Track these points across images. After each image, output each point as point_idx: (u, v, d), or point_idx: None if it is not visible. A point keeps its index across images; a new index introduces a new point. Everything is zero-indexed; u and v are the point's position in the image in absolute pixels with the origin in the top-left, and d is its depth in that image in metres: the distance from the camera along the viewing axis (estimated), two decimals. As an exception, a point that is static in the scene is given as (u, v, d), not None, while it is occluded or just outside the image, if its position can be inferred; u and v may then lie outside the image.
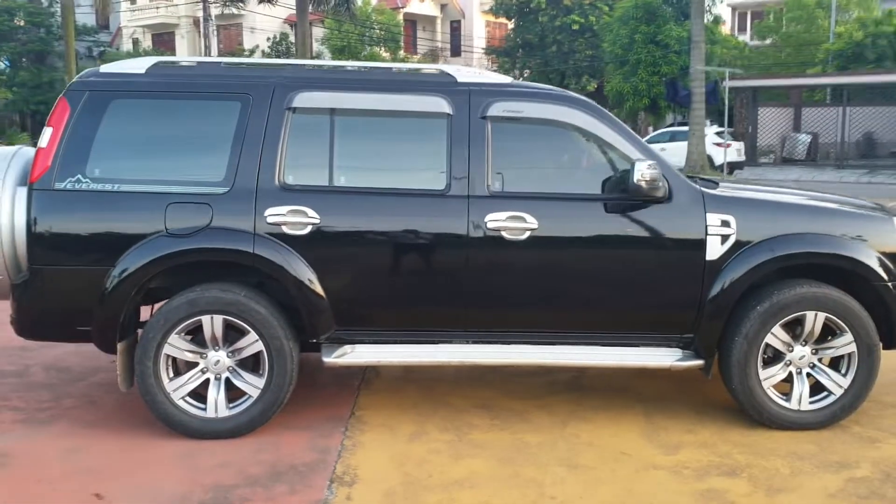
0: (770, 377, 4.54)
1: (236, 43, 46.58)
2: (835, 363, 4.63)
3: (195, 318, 4.32)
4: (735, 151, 26.63)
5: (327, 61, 4.91)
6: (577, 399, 5.09)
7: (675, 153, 24.93)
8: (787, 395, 4.57)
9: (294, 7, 37.18)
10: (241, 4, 37.00)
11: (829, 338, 4.55)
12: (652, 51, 28.14)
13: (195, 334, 4.42)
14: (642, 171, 4.25)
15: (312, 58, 40.11)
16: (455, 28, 47.28)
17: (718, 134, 25.41)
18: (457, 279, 4.42)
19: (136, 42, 50.04)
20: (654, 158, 4.46)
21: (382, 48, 39.35)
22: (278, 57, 38.39)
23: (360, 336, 4.51)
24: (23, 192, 4.30)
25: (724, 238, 4.45)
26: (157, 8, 49.47)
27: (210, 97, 4.48)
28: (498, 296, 4.48)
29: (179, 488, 3.87)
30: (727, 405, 4.80)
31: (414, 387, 5.31)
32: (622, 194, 4.41)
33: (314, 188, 4.40)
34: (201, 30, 41.31)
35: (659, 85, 28.43)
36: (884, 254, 4.53)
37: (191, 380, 4.40)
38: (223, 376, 4.42)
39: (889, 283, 4.50)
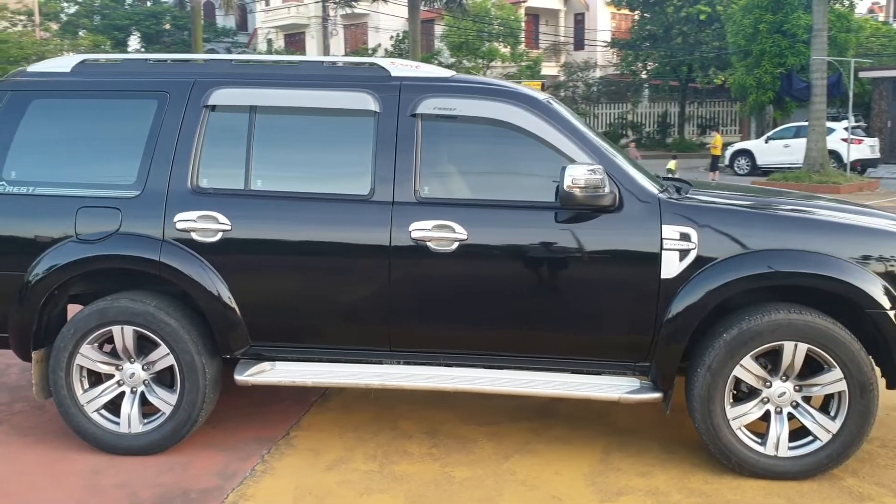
0: (740, 416, 3.89)
1: (361, 42, 47.33)
2: (825, 404, 3.93)
3: (105, 329, 4.11)
4: (868, 148, 24.56)
5: (257, 56, 4.54)
6: (537, 427, 4.57)
7: (799, 150, 23.27)
8: (763, 437, 3.90)
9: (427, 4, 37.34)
10: (355, 4, 37.35)
11: (818, 373, 3.85)
12: (777, 41, 26.26)
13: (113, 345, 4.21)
14: (574, 177, 3.70)
15: (428, 55, 40.16)
16: (579, 21, 46.06)
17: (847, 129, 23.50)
18: (380, 294, 4.01)
19: (269, 42, 51.82)
20: (605, 163, 3.90)
21: (501, 43, 38.81)
22: (400, 55, 38.57)
23: (281, 353, 4.18)
24: None
25: (683, 253, 3.82)
26: (288, 8, 50.91)
27: (128, 95, 4.26)
28: (426, 313, 4.04)
29: (57, 511, 3.66)
30: (703, 444, 4.15)
31: (371, 407, 4.91)
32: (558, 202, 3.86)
33: (227, 192, 4.09)
34: (327, 30, 42.13)
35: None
36: (882, 275, 3.78)
37: (105, 392, 4.20)
38: (139, 390, 4.20)
39: (888, 311, 3.75)
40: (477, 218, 3.95)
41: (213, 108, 4.14)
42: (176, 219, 4.03)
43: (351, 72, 4.29)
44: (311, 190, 4.09)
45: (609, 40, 41.80)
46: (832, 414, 3.86)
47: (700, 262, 3.81)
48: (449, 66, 38.84)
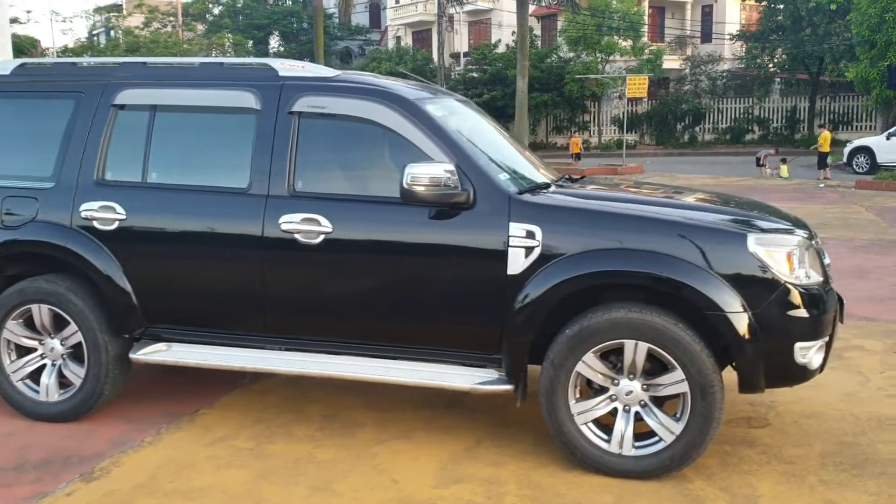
0: (585, 411, 3.90)
1: (484, 37, 47.60)
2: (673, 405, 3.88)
3: (26, 307, 4.56)
4: None
5: (170, 59, 4.87)
6: (431, 416, 4.69)
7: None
8: (610, 434, 3.90)
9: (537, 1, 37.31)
10: (466, 1, 37.61)
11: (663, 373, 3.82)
12: (905, 30, 24.63)
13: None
14: (413, 175, 3.82)
15: (546, 49, 39.92)
16: (706, 13, 44.59)
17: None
18: (255, 282, 4.25)
19: (398, 40, 52.98)
20: (462, 162, 3.98)
21: (621, 37, 38.07)
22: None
23: (177, 335, 4.49)
24: None
25: (529, 250, 3.87)
26: (416, 5, 51.81)
27: (53, 96, 4.69)
28: (295, 302, 4.26)
29: (-42, 465, 4.12)
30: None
31: (288, 390, 5.15)
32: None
33: (125, 184, 4.44)
34: (443, 27, 42.58)
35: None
36: (727, 278, 3.69)
37: (28, 363, 4.66)
38: (57, 363, 4.63)
39: (728, 314, 3.66)
40: (342, 212, 4.13)
41: (121, 107, 4.50)
42: (81, 208, 4.43)
43: (242, 72, 4.56)
44: (197, 183, 4.39)
45: (734, 33, 40.21)
46: (677, 415, 3.81)
47: (544, 259, 3.85)
48: (567, 61, 38.61)
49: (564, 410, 3.89)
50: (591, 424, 3.92)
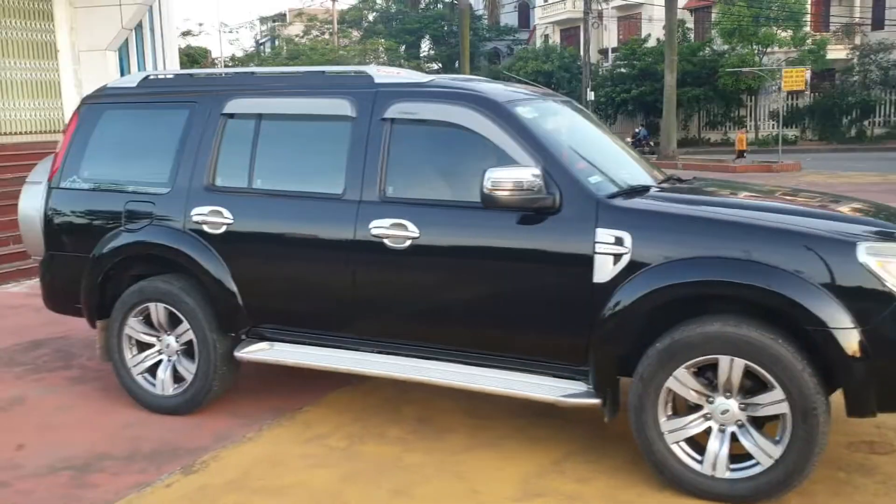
0: (677, 429, 3.71)
1: (634, 32, 46.53)
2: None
3: (144, 305, 4.84)
4: None
5: (277, 68, 5.01)
6: (523, 426, 4.60)
7: None
8: (703, 454, 3.69)
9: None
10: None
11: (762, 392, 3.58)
12: None
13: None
14: (493, 180, 3.76)
15: (699, 43, 38.51)
16: (878, -1, 41.62)
17: None
18: (349, 286, 4.33)
19: (545, 38, 52.66)
20: (549, 165, 3.89)
21: (780, 28, 36.13)
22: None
23: (279, 335, 4.64)
24: None
25: (617, 258, 3.73)
26: (564, 3, 51.26)
27: (170, 106, 4.93)
28: (382, 306, 4.29)
29: (73, 451, 4.41)
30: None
31: (390, 391, 5.20)
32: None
33: (232, 190, 4.62)
34: (588, 24, 41.77)
35: None
36: (833, 290, 3.41)
37: (147, 359, 4.94)
38: (173, 359, 4.88)
39: (833, 330, 3.38)
40: (428, 217, 4.12)
41: (230, 115, 4.69)
42: (192, 213, 4.65)
43: (341, 80, 4.63)
44: (297, 189, 4.51)
45: (911, 18, 37.29)
46: (777, 438, 3.55)
47: (633, 267, 3.69)
48: (721, 54, 37.11)
49: (654, 428, 3.71)
50: (682, 444, 3.72)
